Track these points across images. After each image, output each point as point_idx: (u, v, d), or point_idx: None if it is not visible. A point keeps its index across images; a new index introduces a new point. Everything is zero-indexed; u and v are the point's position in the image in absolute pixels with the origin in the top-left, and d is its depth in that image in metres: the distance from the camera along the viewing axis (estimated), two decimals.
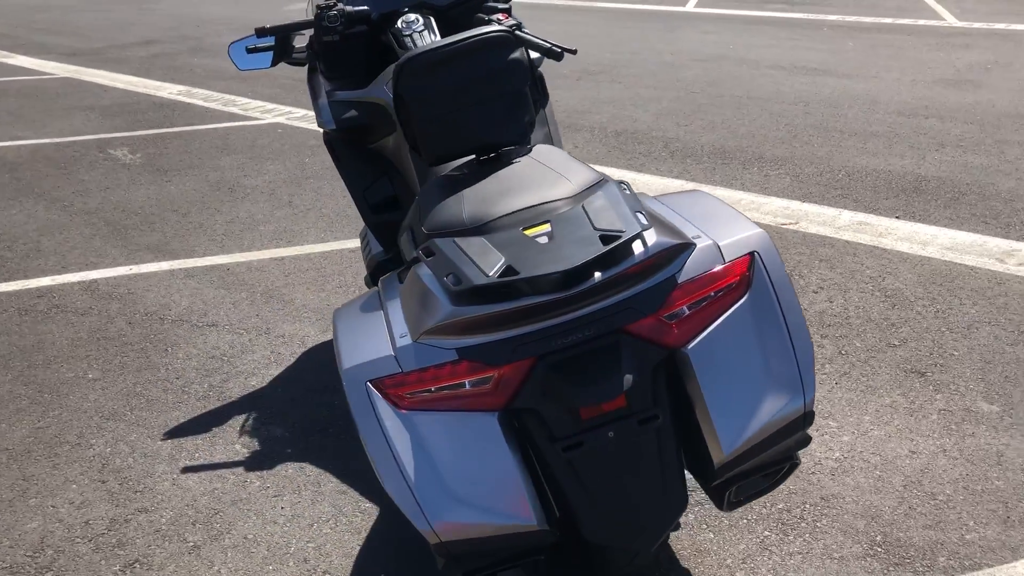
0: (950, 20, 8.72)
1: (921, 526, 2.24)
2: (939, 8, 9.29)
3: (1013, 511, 2.27)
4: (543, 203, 1.84)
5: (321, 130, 2.88)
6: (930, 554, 2.15)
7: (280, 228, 4.42)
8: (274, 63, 2.94)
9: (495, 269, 1.60)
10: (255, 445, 2.75)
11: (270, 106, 6.77)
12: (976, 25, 8.42)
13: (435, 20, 2.78)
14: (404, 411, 1.65)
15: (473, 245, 1.70)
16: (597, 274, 1.62)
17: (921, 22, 8.70)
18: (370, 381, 1.67)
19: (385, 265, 2.88)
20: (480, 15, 2.76)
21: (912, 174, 4.66)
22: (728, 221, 1.82)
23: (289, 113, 6.55)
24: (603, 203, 1.77)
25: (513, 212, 1.83)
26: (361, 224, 4.29)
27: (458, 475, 1.62)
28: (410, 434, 1.64)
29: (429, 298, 1.70)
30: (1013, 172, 4.58)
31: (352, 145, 2.90)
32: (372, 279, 2.93)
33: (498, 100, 2.09)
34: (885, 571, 2.11)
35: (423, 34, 2.75)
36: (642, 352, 1.68)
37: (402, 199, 2.75)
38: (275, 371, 3.14)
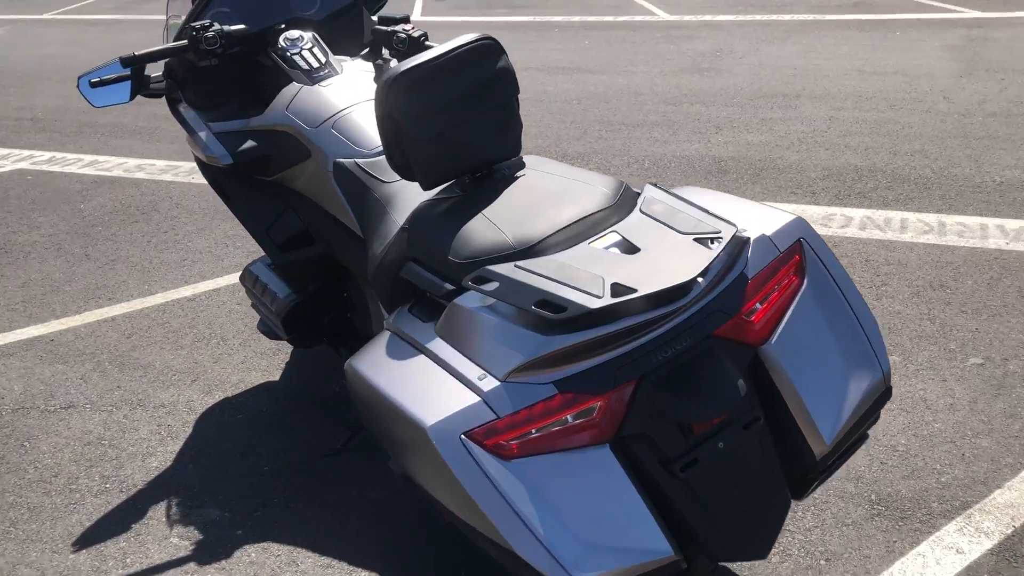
0: (662, 15, 9.46)
1: (900, 478, 2.41)
2: (648, 5, 10.04)
3: (964, 448, 2.50)
4: (592, 213, 1.76)
5: (208, 164, 2.57)
6: (923, 503, 2.31)
7: (90, 285, 3.87)
8: (132, 96, 2.58)
9: (604, 289, 1.49)
10: (195, 534, 2.39)
11: (2, 151, 5.92)
12: (686, 18, 9.20)
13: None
14: (510, 460, 1.50)
15: (549, 267, 1.58)
16: (700, 280, 1.57)
17: (638, 18, 9.36)
18: (464, 434, 1.51)
19: (300, 308, 2.62)
20: (380, 27, 2.59)
21: (708, 157, 5.00)
22: (759, 211, 1.84)
23: (31, 157, 5.75)
24: (663, 206, 1.72)
25: (565, 227, 1.73)
26: (227, 267, 3.90)
27: (585, 519, 1.51)
28: (524, 484, 1.50)
29: (508, 331, 1.56)
30: (791, 146, 5.06)
31: (246, 180, 2.60)
32: (286, 326, 2.64)
33: (491, 113, 1.96)
34: (896, 527, 2.24)
35: (313, 51, 2.54)
36: (736, 355, 1.65)
37: (318, 232, 2.51)
38: (173, 446, 2.75)
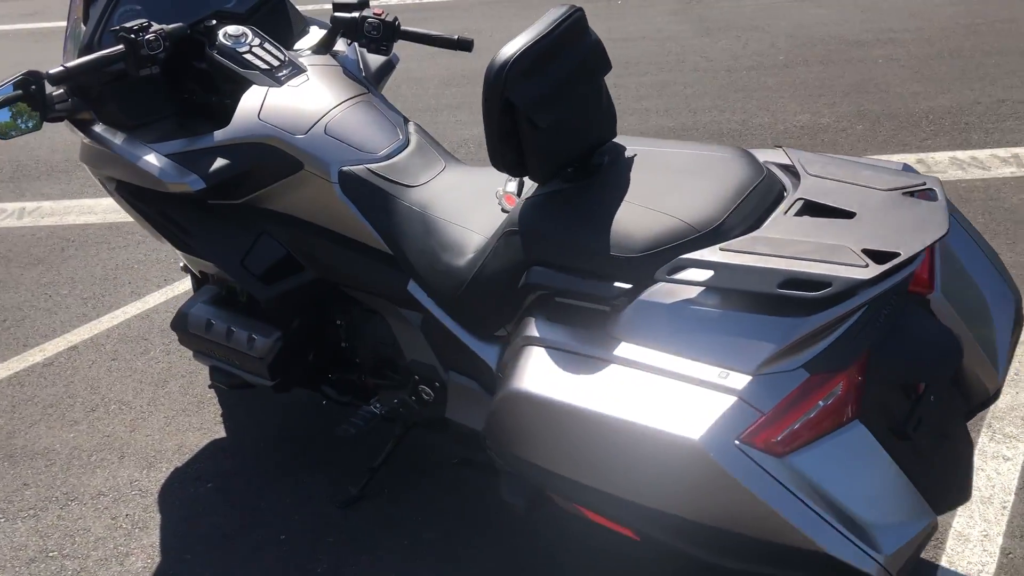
0: None
1: None
2: None
3: None
4: (757, 184, 1.71)
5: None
6: None
7: None
8: (42, 122, 2.16)
9: (860, 257, 1.45)
10: None
11: None
12: None
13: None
14: (783, 457, 1.45)
15: (771, 245, 1.51)
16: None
17: None
18: (739, 440, 1.43)
19: (289, 348, 2.30)
20: (340, 15, 2.33)
21: None
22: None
23: None
24: (826, 166, 1.71)
25: (740, 201, 1.67)
26: (70, 319, 3.27)
27: (862, 501, 1.49)
28: (805, 479, 1.45)
29: (743, 321, 1.49)
30: None
31: (205, 207, 2.24)
32: (273, 371, 2.31)
33: (592, 93, 1.85)
34: None
35: (265, 48, 2.25)
36: (926, 307, 1.68)
37: (308, 255, 2.22)
38: (148, 538, 2.33)
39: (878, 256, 1.45)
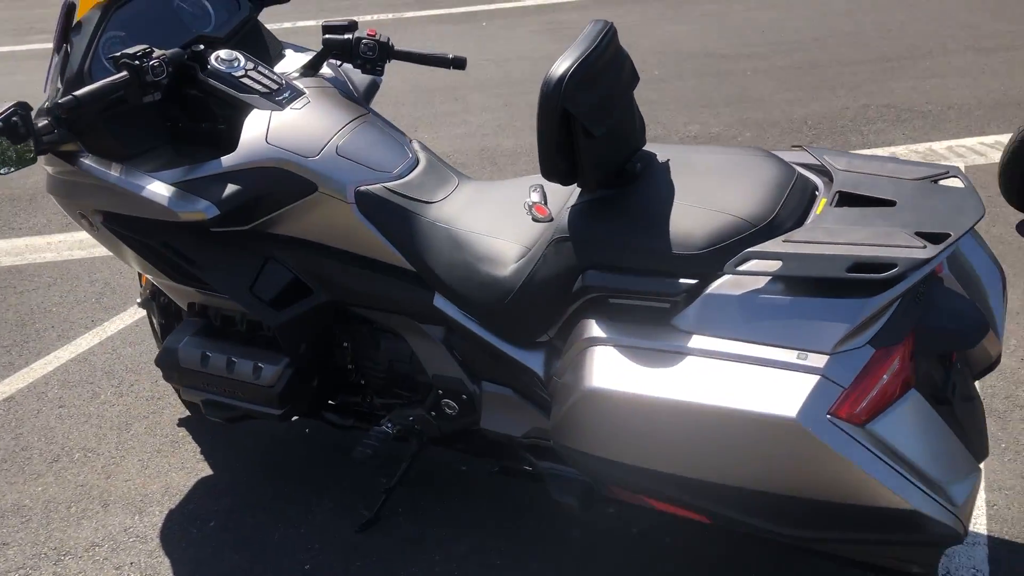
0: None
1: None
2: None
3: None
4: (795, 181, 1.84)
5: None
6: None
7: None
8: (38, 155, 2.09)
9: (915, 239, 1.60)
10: None
11: None
12: None
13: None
14: (864, 426, 1.59)
15: (831, 233, 1.64)
16: None
17: None
18: (829, 414, 1.56)
19: (300, 375, 2.27)
20: (332, 36, 2.33)
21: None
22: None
23: None
24: (852, 162, 1.86)
25: (785, 197, 1.80)
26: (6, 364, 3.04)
27: (933, 461, 1.63)
28: (886, 445, 1.59)
29: (813, 305, 1.62)
30: (502, 131, 5.34)
31: (209, 236, 2.20)
32: (284, 400, 2.27)
33: (630, 102, 1.94)
34: None
35: (260, 71, 2.24)
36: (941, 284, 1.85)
37: (319, 278, 2.21)
38: None
39: (931, 237, 1.61)
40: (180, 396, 2.57)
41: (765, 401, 1.56)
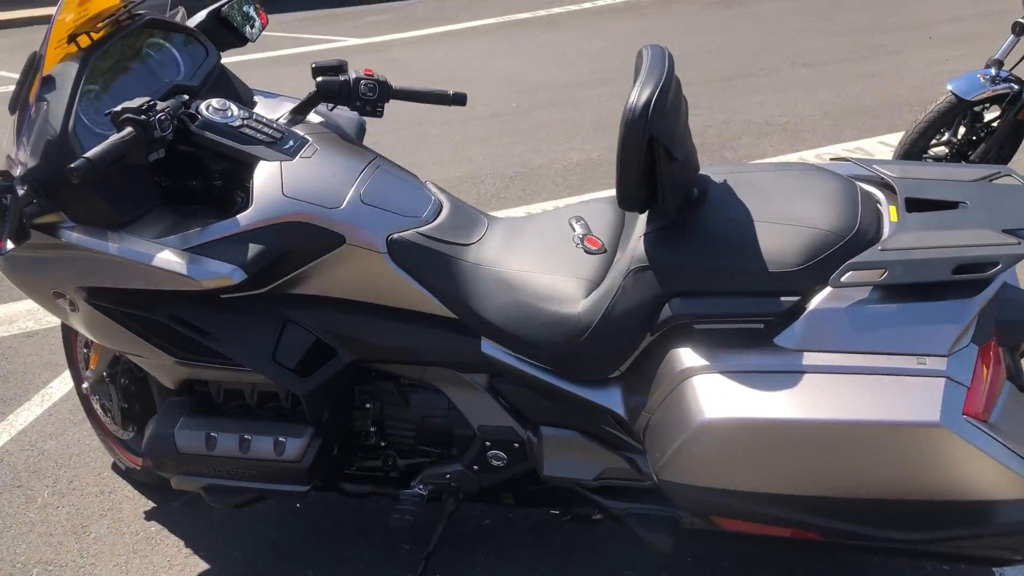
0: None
1: None
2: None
3: None
4: (861, 193, 1.89)
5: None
6: None
7: None
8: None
9: (1005, 237, 1.65)
10: None
11: None
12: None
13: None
14: (987, 421, 1.64)
15: (924, 239, 1.68)
16: None
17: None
18: (964, 414, 1.61)
19: (328, 444, 2.10)
20: (328, 79, 2.19)
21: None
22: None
23: None
24: (903, 169, 1.93)
25: (859, 207, 1.83)
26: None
27: None
28: (1009, 436, 1.63)
29: (922, 310, 1.65)
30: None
31: (221, 304, 2.00)
32: (313, 473, 2.08)
33: (687, 124, 1.91)
34: None
35: (257, 120, 2.09)
36: None
37: (344, 336, 2.05)
38: None
39: (1017, 233, 1.69)
40: (172, 485, 2.30)
41: (902, 409, 1.58)
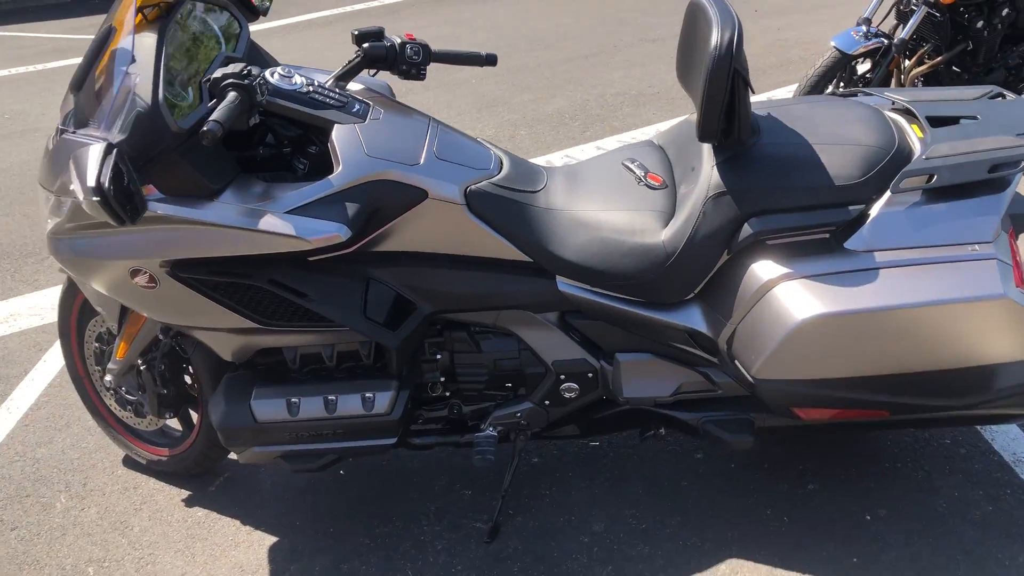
0: None
1: None
2: None
3: None
4: (885, 112, 2.17)
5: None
6: None
7: None
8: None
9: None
10: None
11: None
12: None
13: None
14: None
15: (957, 146, 1.98)
16: None
17: None
18: (1018, 286, 1.93)
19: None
20: (374, 44, 2.24)
21: None
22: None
23: None
24: (915, 94, 2.23)
25: (894, 124, 2.12)
26: None
27: None
28: None
29: (968, 206, 1.96)
30: None
31: (313, 268, 2.05)
32: (399, 429, 2.16)
33: None
34: None
35: (321, 85, 2.15)
36: None
37: (423, 289, 2.15)
38: None
39: None
40: (242, 459, 2.28)
41: (969, 288, 1.88)
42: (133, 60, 1.88)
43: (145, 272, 2.01)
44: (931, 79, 4.31)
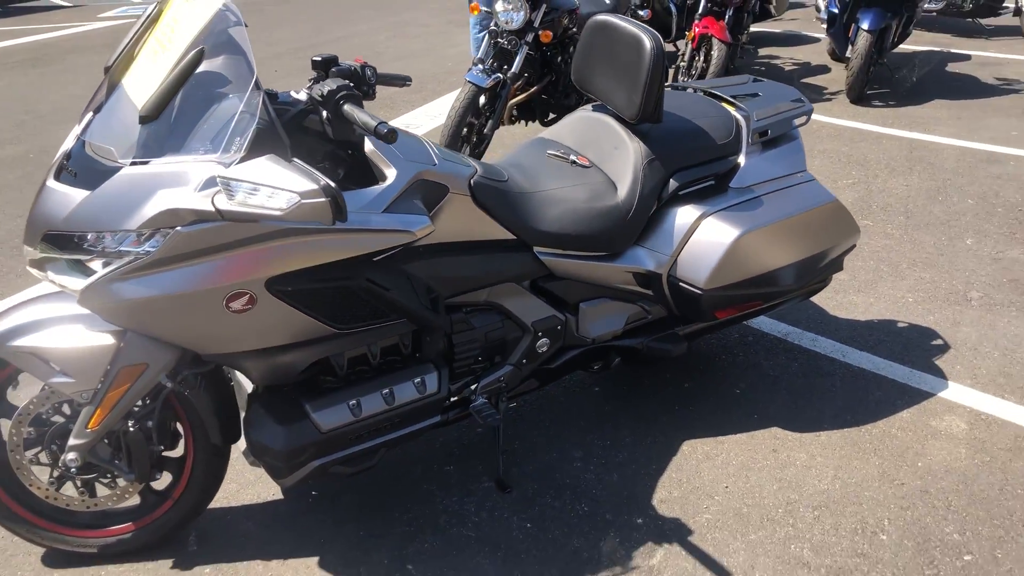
0: None
1: None
2: None
3: None
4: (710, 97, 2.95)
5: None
6: None
7: None
8: None
9: (800, 103, 2.96)
10: None
11: None
12: None
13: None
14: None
15: (772, 111, 2.85)
16: None
17: None
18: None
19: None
20: (340, 69, 2.43)
21: None
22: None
23: None
24: (718, 84, 3.06)
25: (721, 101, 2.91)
26: None
27: None
28: None
29: (789, 148, 2.86)
30: None
31: (382, 263, 2.22)
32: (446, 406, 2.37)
33: None
34: None
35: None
36: None
37: (442, 276, 2.38)
38: None
39: (802, 100, 2.95)
40: (291, 481, 2.19)
41: (814, 199, 2.74)
42: (230, 81, 1.88)
43: (246, 294, 1.95)
44: (524, 107, 5.30)
